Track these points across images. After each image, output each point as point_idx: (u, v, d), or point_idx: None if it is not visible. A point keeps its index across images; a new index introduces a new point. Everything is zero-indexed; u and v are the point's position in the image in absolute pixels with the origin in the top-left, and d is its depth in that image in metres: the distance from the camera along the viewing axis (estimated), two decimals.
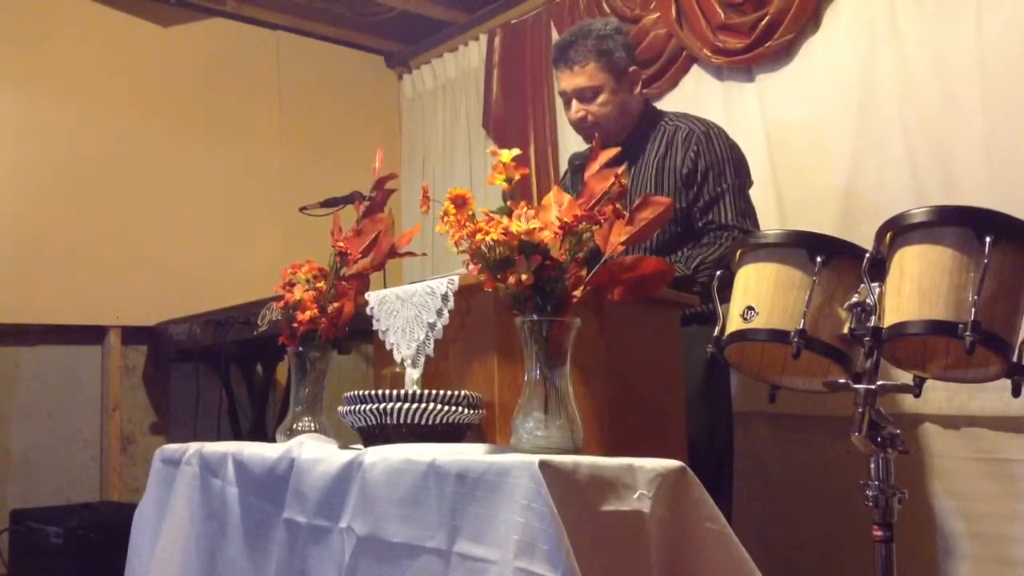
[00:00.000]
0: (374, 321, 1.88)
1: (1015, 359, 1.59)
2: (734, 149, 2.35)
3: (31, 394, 3.55)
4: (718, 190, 2.27)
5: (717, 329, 1.88)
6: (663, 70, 3.26)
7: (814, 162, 2.81)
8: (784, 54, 2.89)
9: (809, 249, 1.77)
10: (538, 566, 1.18)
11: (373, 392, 1.64)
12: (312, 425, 1.94)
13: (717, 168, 2.28)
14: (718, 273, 1.96)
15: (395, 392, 1.62)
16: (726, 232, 2.23)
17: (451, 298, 1.72)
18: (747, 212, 2.30)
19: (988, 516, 2.36)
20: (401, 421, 1.59)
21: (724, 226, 2.24)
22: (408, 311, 1.80)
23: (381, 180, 2.00)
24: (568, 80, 2.36)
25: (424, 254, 2.20)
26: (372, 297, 1.91)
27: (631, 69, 2.37)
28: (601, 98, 2.33)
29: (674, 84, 3.25)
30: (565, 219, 1.43)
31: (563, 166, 3.25)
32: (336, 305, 1.93)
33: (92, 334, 3.69)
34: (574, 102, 2.36)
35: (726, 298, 1.90)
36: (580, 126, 2.39)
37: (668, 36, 3.23)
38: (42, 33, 3.64)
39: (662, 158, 2.33)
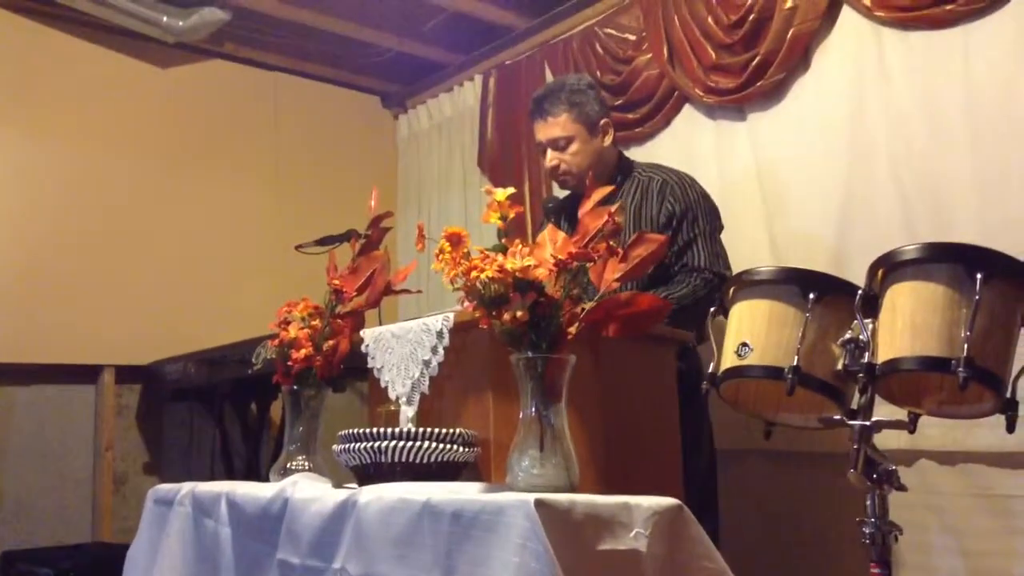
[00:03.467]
0: (369, 359, 1.89)
1: (1008, 395, 1.60)
2: (706, 198, 2.46)
3: (24, 434, 3.52)
4: (691, 235, 2.37)
5: (712, 365, 1.88)
6: (656, 109, 3.31)
7: (806, 199, 2.83)
8: (775, 93, 2.93)
9: (802, 286, 1.78)
10: None
11: (368, 430, 1.63)
12: (306, 464, 1.93)
13: (691, 215, 2.39)
14: (711, 310, 1.97)
15: (390, 430, 1.61)
16: (696, 273, 2.32)
17: (446, 335, 1.73)
18: (719, 254, 2.40)
19: (986, 553, 2.35)
20: (396, 460, 1.58)
21: (695, 268, 2.34)
22: (403, 348, 1.80)
23: (377, 218, 2.02)
24: (543, 131, 2.48)
25: (419, 291, 2.21)
26: (367, 334, 1.91)
27: (603, 121, 2.48)
28: (573, 147, 2.44)
29: (667, 123, 3.29)
30: (559, 256, 1.44)
31: None
32: (331, 343, 1.93)
33: (86, 373, 3.68)
34: (549, 151, 2.47)
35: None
36: (554, 174, 2.50)
37: (660, 76, 3.28)
38: (40, 75, 3.67)
39: (638, 206, 2.44)
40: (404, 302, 3.84)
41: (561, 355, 1.42)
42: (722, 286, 2.25)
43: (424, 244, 1.58)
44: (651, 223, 2.39)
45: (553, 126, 2.44)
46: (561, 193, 2.75)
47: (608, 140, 2.49)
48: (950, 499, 2.41)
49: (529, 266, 1.42)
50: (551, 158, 2.47)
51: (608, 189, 1.55)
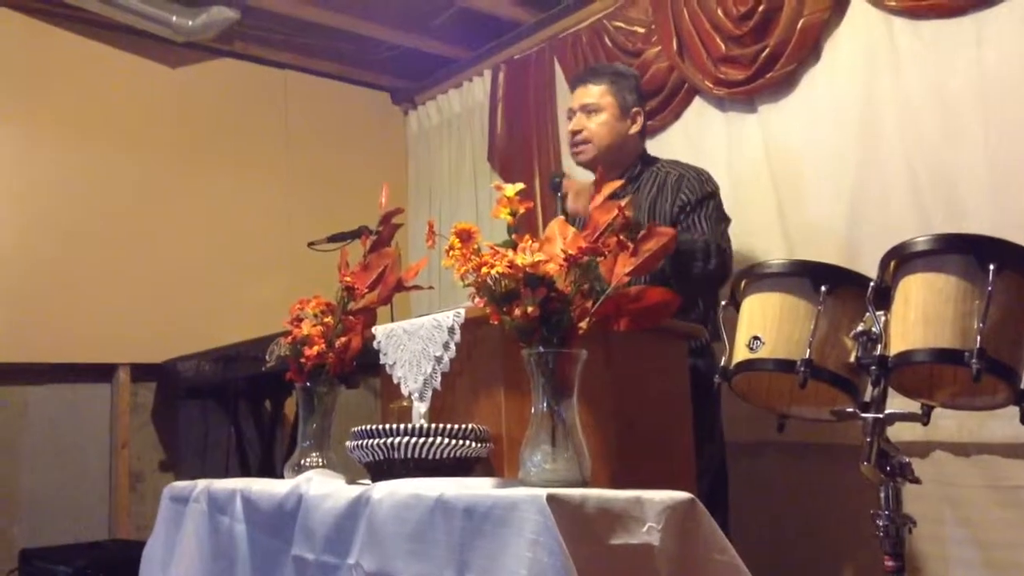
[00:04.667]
0: (381, 355, 1.89)
1: (1022, 386, 1.59)
2: (719, 197, 2.49)
3: (40, 433, 3.55)
4: (697, 215, 2.41)
5: (724, 359, 1.88)
6: (666, 102, 3.29)
7: (817, 191, 2.82)
8: (785, 85, 2.92)
9: (813, 278, 1.77)
10: None
11: (380, 427, 1.64)
12: (320, 460, 1.94)
13: (703, 204, 2.43)
14: (722, 303, 1.98)
15: (402, 426, 1.62)
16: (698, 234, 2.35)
17: (457, 331, 1.73)
18: (722, 234, 2.42)
19: (1002, 544, 2.34)
20: (408, 455, 1.59)
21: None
22: (415, 344, 1.81)
23: (387, 215, 2.02)
24: (580, 96, 2.57)
25: (431, 287, 2.21)
26: (379, 331, 1.92)
27: (634, 109, 2.54)
28: (600, 118, 2.51)
29: (677, 116, 3.28)
30: (570, 251, 1.44)
31: None
32: (343, 340, 1.94)
33: (101, 372, 3.70)
34: (577, 114, 2.54)
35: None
36: (573, 138, 2.55)
37: (670, 69, 3.27)
38: (51, 76, 3.69)
39: (654, 200, 2.46)
40: (416, 298, 3.84)
41: (572, 350, 1.42)
42: (720, 256, 2.28)
43: (434, 241, 1.58)
44: (664, 216, 2.41)
45: (590, 93, 2.53)
46: (573, 172, 2.76)
47: (635, 128, 2.54)
48: (964, 491, 2.40)
49: (539, 261, 1.42)
50: (576, 122, 2.53)
51: (618, 183, 1.56)
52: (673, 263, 2.16)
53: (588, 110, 2.52)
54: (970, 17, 2.48)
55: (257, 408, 3.56)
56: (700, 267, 2.23)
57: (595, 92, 2.52)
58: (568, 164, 3.51)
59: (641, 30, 3.41)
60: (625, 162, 2.51)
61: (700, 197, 2.42)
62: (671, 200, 2.43)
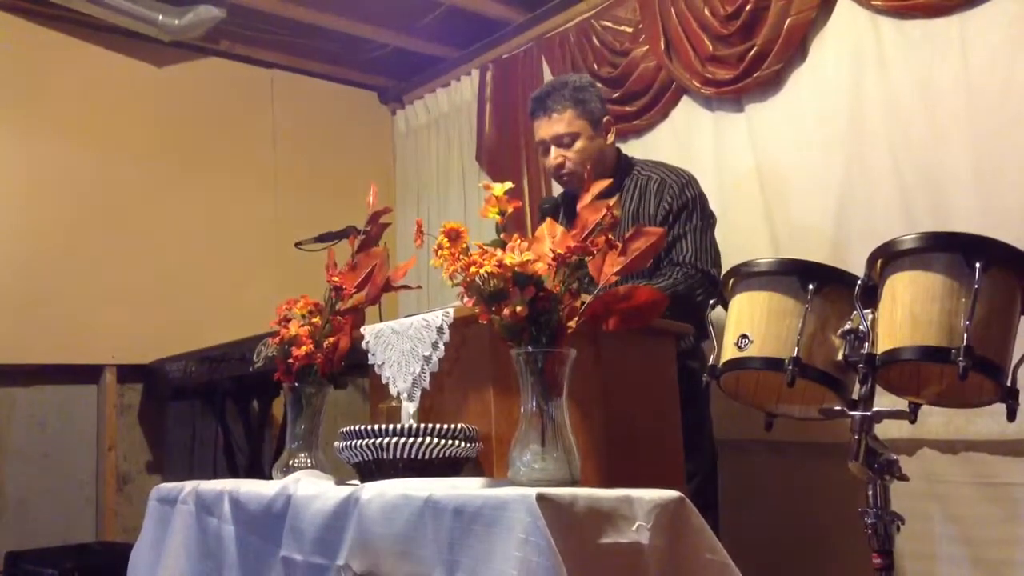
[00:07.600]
0: (370, 355, 1.89)
1: (1008, 383, 1.60)
2: (703, 197, 2.45)
3: (26, 434, 3.53)
4: (683, 230, 2.36)
5: (712, 357, 1.88)
6: (653, 101, 3.30)
7: (805, 190, 2.83)
8: (772, 84, 2.93)
9: (801, 277, 1.78)
10: None
11: (369, 427, 1.63)
12: (308, 461, 1.93)
13: (686, 212, 2.38)
14: (711, 301, 1.98)
15: (391, 426, 1.62)
16: (679, 268, 2.30)
17: (446, 331, 1.73)
18: (708, 251, 2.37)
19: (990, 541, 2.35)
20: (397, 456, 1.58)
21: (680, 263, 2.32)
22: (403, 344, 1.81)
23: (375, 214, 2.02)
24: (546, 128, 2.42)
25: (419, 287, 2.20)
26: (368, 331, 1.91)
27: (605, 119, 2.46)
28: (578, 144, 2.41)
29: (664, 115, 3.29)
30: (558, 250, 1.44)
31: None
32: (332, 340, 1.93)
33: (88, 373, 3.68)
34: (552, 149, 2.42)
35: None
36: (558, 172, 2.45)
37: (658, 68, 3.27)
38: (37, 75, 3.67)
39: (637, 207, 2.42)
40: (404, 298, 3.82)
41: (561, 349, 1.42)
42: (706, 283, 2.27)
43: (422, 240, 1.58)
44: (649, 222, 2.37)
45: (557, 122, 2.40)
46: (557, 192, 2.74)
47: (611, 138, 2.47)
48: (952, 488, 2.42)
49: (528, 261, 1.42)
50: (555, 156, 2.41)
51: (607, 182, 1.55)
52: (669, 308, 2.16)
53: (563, 142, 2.39)
54: (955, 17, 2.50)
55: (245, 409, 3.54)
56: (692, 303, 2.22)
57: (564, 120, 2.38)
58: None
59: (628, 29, 3.41)
60: (605, 172, 2.41)
61: (682, 203, 2.37)
62: (655, 206, 2.38)
